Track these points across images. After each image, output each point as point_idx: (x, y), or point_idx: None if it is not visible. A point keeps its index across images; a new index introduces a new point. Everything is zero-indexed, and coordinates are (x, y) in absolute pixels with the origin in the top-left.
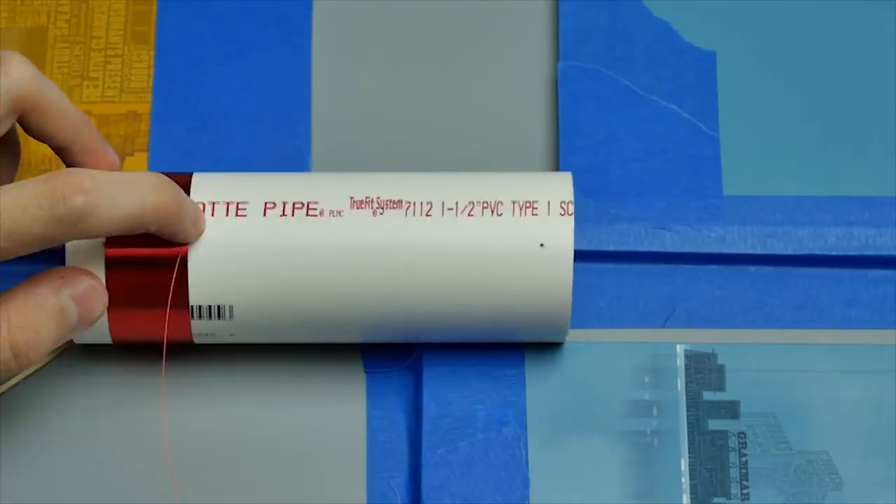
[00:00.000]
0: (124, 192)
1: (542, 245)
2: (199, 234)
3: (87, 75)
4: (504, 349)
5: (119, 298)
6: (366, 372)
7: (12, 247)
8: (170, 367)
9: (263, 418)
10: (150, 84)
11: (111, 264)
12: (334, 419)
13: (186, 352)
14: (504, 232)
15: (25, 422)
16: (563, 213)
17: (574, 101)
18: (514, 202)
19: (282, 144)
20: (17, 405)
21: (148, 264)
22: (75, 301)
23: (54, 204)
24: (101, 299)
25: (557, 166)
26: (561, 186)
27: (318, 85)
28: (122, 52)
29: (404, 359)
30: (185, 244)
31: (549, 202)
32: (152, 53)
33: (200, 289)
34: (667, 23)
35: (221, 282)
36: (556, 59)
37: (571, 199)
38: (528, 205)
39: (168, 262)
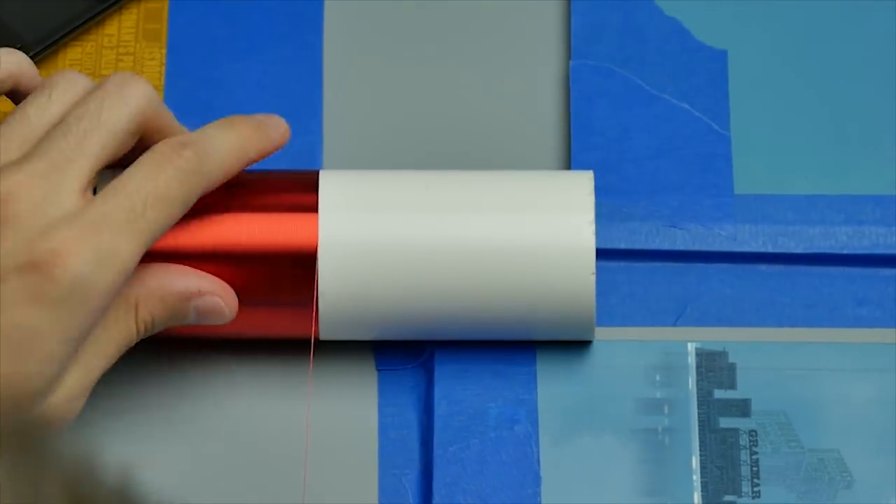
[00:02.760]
0: (215, 133)
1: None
2: (286, 131)
3: (99, 73)
4: (516, 347)
5: (246, 296)
6: (377, 370)
7: (168, 213)
8: (180, 364)
9: (276, 416)
10: (162, 82)
11: (242, 260)
12: (346, 417)
13: (196, 348)
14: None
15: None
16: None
17: (586, 100)
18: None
19: (294, 141)
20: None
21: (279, 263)
22: (198, 312)
23: (176, 162)
24: (224, 317)
25: (569, 164)
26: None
27: (329, 82)
28: (133, 50)
29: (416, 357)
30: (280, 145)
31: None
32: (164, 51)
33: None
34: (678, 21)
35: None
36: (568, 57)
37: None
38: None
39: (298, 260)
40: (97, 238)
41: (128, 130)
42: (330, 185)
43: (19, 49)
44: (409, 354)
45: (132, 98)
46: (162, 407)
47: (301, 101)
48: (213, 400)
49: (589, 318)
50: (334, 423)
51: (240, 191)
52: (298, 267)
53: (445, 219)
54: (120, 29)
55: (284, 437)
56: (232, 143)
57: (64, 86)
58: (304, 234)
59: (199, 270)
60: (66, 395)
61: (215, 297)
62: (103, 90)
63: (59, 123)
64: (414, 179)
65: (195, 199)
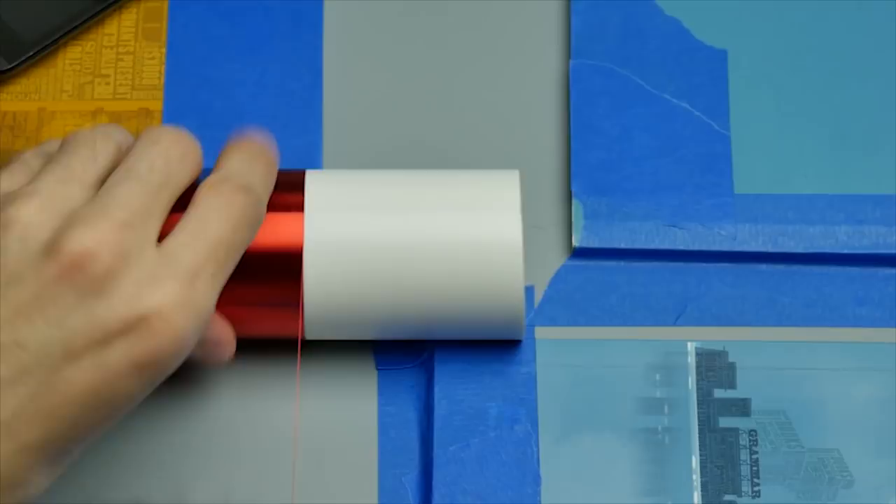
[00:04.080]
0: (254, 171)
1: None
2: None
3: (99, 72)
4: (515, 347)
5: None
6: (377, 369)
7: (238, 258)
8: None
9: (276, 416)
10: (162, 81)
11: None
12: (346, 416)
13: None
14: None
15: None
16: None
17: (586, 99)
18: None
19: (293, 141)
20: None
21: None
22: (203, 356)
23: (242, 208)
24: (219, 367)
25: (569, 164)
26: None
27: (329, 82)
28: (133, 50)
29: (416, 356)
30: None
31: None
32: (164, 50)
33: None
34: (678, 21)
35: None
36: (568, 56)
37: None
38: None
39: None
40: (194, 293)
41: (187, 186)
42: (316, 185)
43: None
44: (409, 354)
45: (192, 155)
46: (159, 406)
47: (301, 100)
48: (212, 399)
49: (517, 316)
50: (334, 422)
51: None
52: (284, 266)
53: (408, 217)
54: (120, 28)
55: (283, 437)
56: (267, 177)
57: (104, 140)
58: (290, 233)
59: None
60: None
61: (225, 349)
62: (164, 144)
63: (129, 171)
64: (397, 178)
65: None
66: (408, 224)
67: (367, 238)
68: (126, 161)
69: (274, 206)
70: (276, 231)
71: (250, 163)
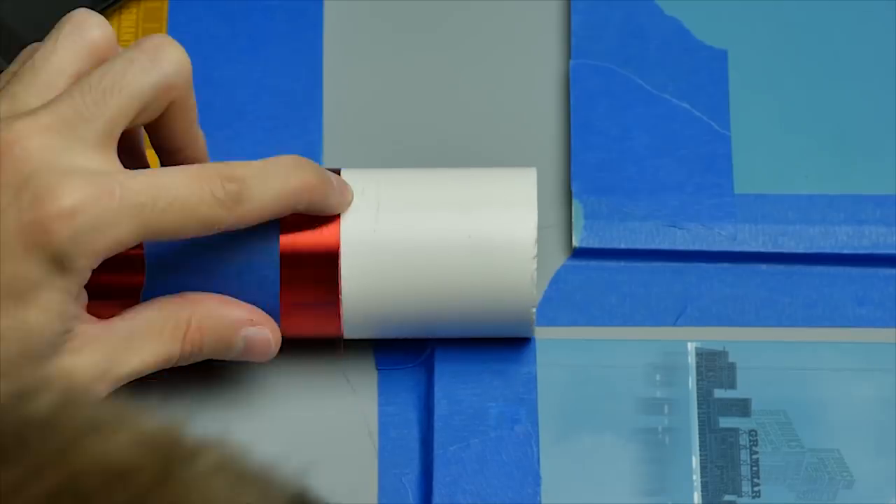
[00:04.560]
0: (272, 176)
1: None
2: (348, 203)
3: None
4: (516, 346)
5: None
6: (377, 369)
7: (182, 223)
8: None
9: (275, 415)
10: None
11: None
12: (346, 416)
13: None
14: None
15: None
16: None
17: (586, 99)
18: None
19: (294, 140)
20: None
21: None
22: (247, 344)
23: (214, 188)
24: (269, 353)
25: (569, 164)
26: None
27: (329, 81)
28: None
29: (416, 356)
30: (338, 213)
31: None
32: None
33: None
34: (679, 21)
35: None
36: (568, 56)
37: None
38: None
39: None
40: (105, 203)
41: (152, 97)
42: (364, 183)
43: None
44: (410, 354)
45: (163, 64)
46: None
47: (301, 100)
48: (212, 396)
49: (526, 314)
50: (334, 422)
51: None
52: (321, 267)
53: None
54: (120, 28)
55: (281, 436)
56: (283, 188)
57: (70, 27)
58: (327, 233)
59: (248, 304)
60: (79, 369)
61: (265, 329)
62: (136, 51)
63: (82, 79)
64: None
65: (216, 230)
66: (440, 222)
67: (401, 237)
68: (91, 71)
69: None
70: (313, 231)
71: (270, 171)
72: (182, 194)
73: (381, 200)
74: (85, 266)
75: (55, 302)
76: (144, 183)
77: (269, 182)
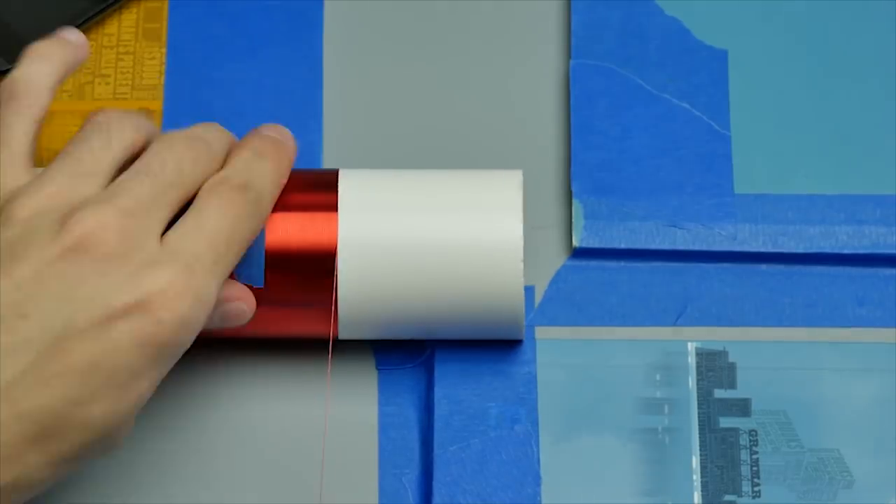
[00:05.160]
0: (259, 169)
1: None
2: (295, 144)
3: (99, 72)
4: (516, 346)
5: (271, 296)
6: (378, 369)
7: (239, 253)
8: (180, 364)
9: (276, 415)
10: (162, 81)
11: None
12: (346, 416)
13: (196, 348)
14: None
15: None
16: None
17: (586, 99)
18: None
19: None
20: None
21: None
22: (223, 317)
23: (242, 204)
24: (244, 321)
25: (569, 164)
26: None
27: (329, 82)
28: (133, 50)
29: (416, 356)
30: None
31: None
32: (164, 51)
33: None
34: (679, 21)
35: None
36: (568, 56)
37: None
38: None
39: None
40: (194, 280)
41: (199, 186)
42: (350, 185)
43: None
44: (410, 354)
45: (204, 161)
46: (165, 406)
47: (301, 100)
48: (212, 399)
49: (517, 316)
50: (334, 422)
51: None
52: (318, 266)
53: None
54: (120, 28)
55: (283, 437)
56: (272, 174)
57: (120, 125)
58: (325, 233)
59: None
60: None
61: (241, 302)
62: (179, 148)
63: (140, 165)
64: (412, 179)
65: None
66: (424, 223)
67: (398, 238)
68: (139, 159)
69: (306, 206)
70: (309, 230)
71: (254, 160)
72: (229, 230)
73: (376, 202)
74: (185, 349)
75: (150, 385)
76: (205, 242)
77: (260, 173)
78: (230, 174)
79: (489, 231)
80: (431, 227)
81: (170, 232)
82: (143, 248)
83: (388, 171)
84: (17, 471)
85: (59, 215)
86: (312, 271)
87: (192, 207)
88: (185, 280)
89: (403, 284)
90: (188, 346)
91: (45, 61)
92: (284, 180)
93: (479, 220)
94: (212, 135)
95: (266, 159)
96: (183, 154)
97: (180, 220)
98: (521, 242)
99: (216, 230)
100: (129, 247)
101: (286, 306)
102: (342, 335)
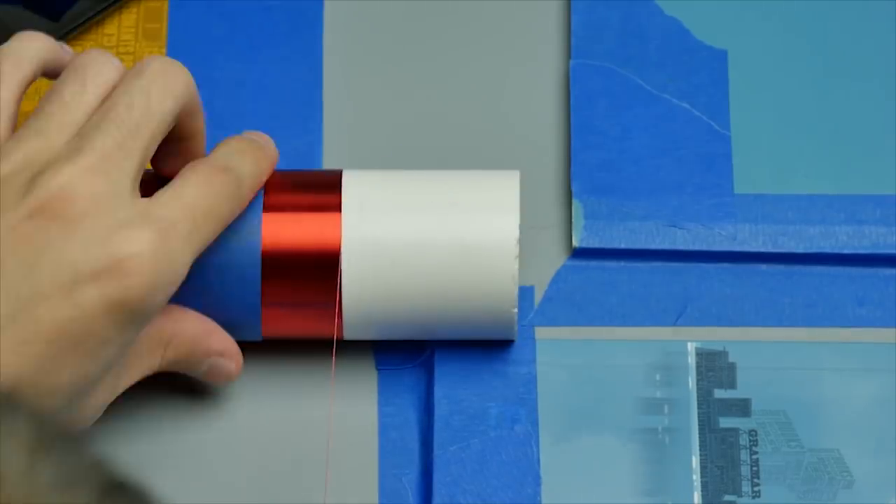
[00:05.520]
0: (241, 161)
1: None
2: (276, 155)
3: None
4: (516, 347)
5: (275, 299)
6: (377, 369)
7: (215, 231)
8: None
9: (276, 416)
10: None
11: (268, 265)
12: (346, 416)
13: None
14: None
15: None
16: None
17: (586, 99)
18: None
19: (293, 141)
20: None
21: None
22: (209, 370)
23: (224, 184)
24: (228, 382)
25: (569, 164)
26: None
27: (329, 82)
28: (133, 50)
29: (416, 356)
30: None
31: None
32: (164, 51)
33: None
34: (679, 21)
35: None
36: (568, 56)
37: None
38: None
39: (323, 263)
40: (167, 246)
41: (173, 121)
42: (353, 185)
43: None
44: (409, 354)
45: (177, 87)
46: (164, 405)
47: (301, 100)
48: (212, 399)
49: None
50: (334, 423)
51: (264, 191)
52: (321, 268)
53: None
54: (120, 28)
55: (283, 437)
56: (251, 166)
57: (97, 68)
58: (328, 234)
59: (223, 331)
60: (92, 403)
61: (231, 362)
62: (148, 78)
63: (107, 111)
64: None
65: (229, 223)
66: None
67: (400, 239)
68: (108, 100)
69: (309, 206)
70: (312, 232)
71: (235, 152)
72: (208, 204)
73: (379, 203)
74: (152, 317)
75: (113, 355)
76: (180, 210)
77: (240, 164)
78: (210, 157)
79: (484, 231)
80: (431, 227)
81: (147, 199)
82: (114, 207)
83: (390, 172)
84: None
85: (29, 175)
86: (315, 273)
87: (172, 181)
88: (159, 244)
89: (405, 285)
90: (157, 313)
91: (33, 39)
92: (264, 177)
93: (475, 220)
94: (178, 66)
95: (246, 154)
96: (152, 85)
97: (160, 190)
98: (515, 242)
99: (194, 201)
100: (98, 206)
101: (289, 308)
102: (346, 336)
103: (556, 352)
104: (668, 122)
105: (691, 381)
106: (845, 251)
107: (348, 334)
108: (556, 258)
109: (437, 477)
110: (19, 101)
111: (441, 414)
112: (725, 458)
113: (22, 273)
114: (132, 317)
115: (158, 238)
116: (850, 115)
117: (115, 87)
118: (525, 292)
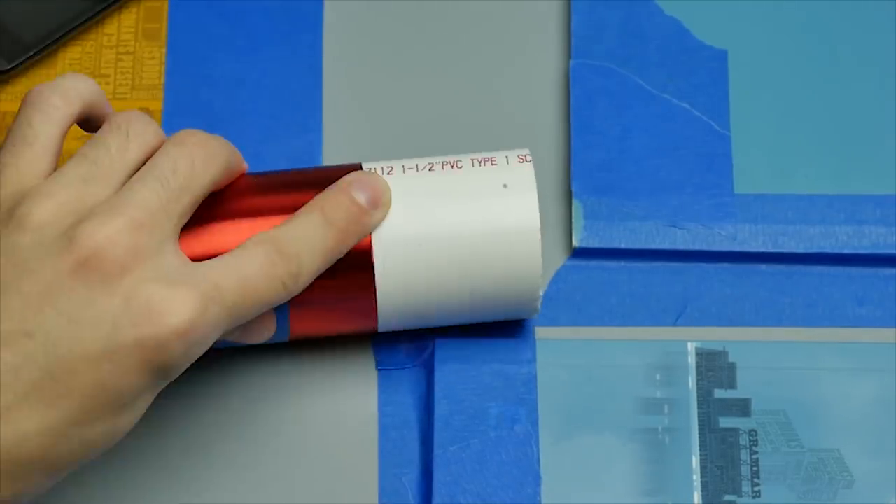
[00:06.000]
0: (315, 240)
1: (504, 186)
2: (369, 230)
3: (99, 72)
4: (516, 346)
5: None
6: (378, 369)
7: (254, 312)
8: None
9: (277, 416)
10: (162, 81)
11: None
12: (347, 416)
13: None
14: (465, 180)
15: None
16: (521, 161)
17: (586, 99)
18: (472, 159)
19: (293, 140)
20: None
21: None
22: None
23: (282, 275)
24: (265, 331)
25: (569, 164)
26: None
27: (329, 80)
28: (133, 49)
29: (416, 356)
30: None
31: (507, 156)
32: (164, 50)
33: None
34: (679, 21)
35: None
36: (569, 56)
37: (528, 152)
38: (486, 160)
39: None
40: (210, 311)
41: (211, 191)
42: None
43: (21, 50)
44: (410, 354)
45: (218, 160)
46: (163, 405)
47: (301, 99)
48: (212, 399)
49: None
50: (334, 422)
51: (289, 190)
52: (353, 264)
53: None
54: (119, 28)
55: (282, 436)
56: (318, 262)
57: (140, 127)
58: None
59: None
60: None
61: (269, 323)
62: (190, 147)
63: (151, 170)
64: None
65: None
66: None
67: (427, 227)
68: (150, 161)
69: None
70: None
71: (307, 237)
72: (260, 285)
73: (398, 193)
74: (179, 374)
75: (147, 402)
76: (233, 281)
77: (315, 250)
78: (282, 236)
79: (507, 214)
80: (456, 214)
81: (199, 262)
82: (156, 261)
83: (407, 161)
84: (18, 487)
85: (70, 224)
86: (348, 269)
87: (235, 248)
88: (202, 307)
89: (435, 273)
90: (189, 363)
91: (81, 80)
92: (324, 268)
93: (497, 204)
94: (219, 140)
95: (316, 240)
96: (195, 153)
97: (220, 256)
98: (538, 224)
99: (248, 277)
100: (139, 260)
101: (324, 307)
102: (381, 328)
103: (557, 352)
104: (669, 122)
105: (691, 381)
106: (845, 251)
107: (384, 326)
108: (556, 258)
109: (438, 477)
110: (64, 137)
111: (441, 414)
112: (725, 458)
113: (62, 327)
114: (166, 371)
115: (202, 301)
116: (850, 114)
117: (154, 151)
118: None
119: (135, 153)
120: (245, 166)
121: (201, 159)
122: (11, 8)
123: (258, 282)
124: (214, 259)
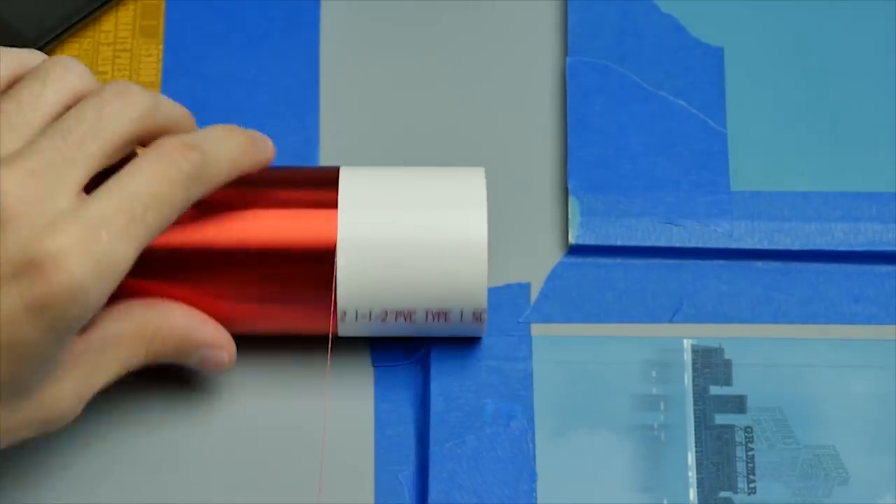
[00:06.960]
0: (218, 139)
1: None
2: (269, 159)
3: (96, 69)
4: (512, 342)
5: (268, 295)
6: (374, 366)
7: (168, 218)
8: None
9: (272, 412)
10: (159, 78)
11: (262, 260)
12: (342, 413)
13: None
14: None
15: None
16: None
17: (582, 96)
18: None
19: (290, 138)
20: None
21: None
22: (202, 360)
23: (180, 164)
24: (222, 371)
25: (565, 161)
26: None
27: (326, 78)
28: (130, 47)
29: (412, 353)
30: (265, 164)
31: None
32: (161, 48)
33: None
34: (675, 18)
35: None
36: (565, 54)
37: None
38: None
39: (317, 257)
40: (96, 243)
41: (126, 140)
42: (350, 182)
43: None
44: (406, 351)
45: (131, 109)
46: (160, 403)
47: (298, 97)
48: (208, 396)
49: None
50: (330, 419)
51: (260, 187)
52: (317, 263)
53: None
54: (117, 25)
55: (277, 433)
56: (232, 151)
57: (58, 73)
58: (324, 230)
59: (214, 321)
60: (63, 396)
61: (223, 352)
62: (102, 98)
63: (58, 122)
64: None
65: (190, 204)
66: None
67: (390, 235)
68: (64, 115)
69: (307, 202)
70: (308, 229)
71: (215, 135)
72: (156, 189)
73: (373, 200)
74: (87, 315)
75: (53, 354)
76: (116, 200)
77: (217, 143)
78: (181, 136)
79: (455, 228)
80: (409, 224)
81: (84, 197)
82: (50, 209)
83: (383, 169)
84: None
85: None
86: (311, 268)
87: (126, 165)
88: (85, 243)
89: (396, 282)
90: (90, 314)
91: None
92: (244, 167)
93: (445, 217)
94: (141, 92)
95: (225, 137)
96: (106, 103)
97: (116, 175)
98: (484, 241)
99: (136, 188)
100: (28, 209)
101: (285, 304)
102: (342, 333)
103: (552, 348)
104: (665, 119)
105: (687, 378)
106: (841, 248)
107: (345, 331)
108: (552, 255)
109: (433, 473)
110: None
111: (437, 410)
112: (721, 455)
113: None
114: (59, 318)
115: (84, 236)
116: (847, 112)
117: (81, 95)
118: (521, 289)
119: (52, 98)
120: (267, 156)
121: (114, 107)
122: (10, 5)
123: (149, 188)
124: (101, 187)
